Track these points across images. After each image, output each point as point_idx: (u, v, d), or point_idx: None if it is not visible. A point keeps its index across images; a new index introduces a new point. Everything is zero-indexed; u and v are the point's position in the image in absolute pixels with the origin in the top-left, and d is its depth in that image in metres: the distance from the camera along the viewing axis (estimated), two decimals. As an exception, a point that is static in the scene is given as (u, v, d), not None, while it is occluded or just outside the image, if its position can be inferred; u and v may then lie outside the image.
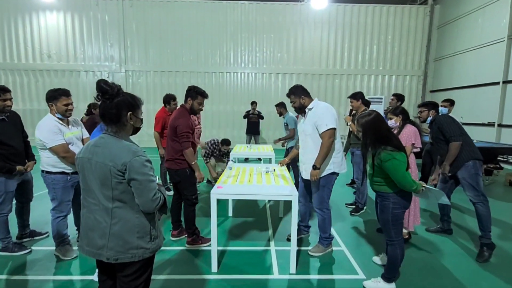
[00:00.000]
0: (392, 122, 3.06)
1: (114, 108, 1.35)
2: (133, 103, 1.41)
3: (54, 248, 2.69)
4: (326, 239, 2.78)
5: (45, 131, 2.41)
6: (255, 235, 3.20)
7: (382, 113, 4.80)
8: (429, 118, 3.09)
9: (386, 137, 2.05)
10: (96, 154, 1.33)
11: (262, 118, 8.18)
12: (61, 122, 2.50)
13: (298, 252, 2.75)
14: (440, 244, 3.06)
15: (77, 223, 2.92)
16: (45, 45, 9.81)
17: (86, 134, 2.77)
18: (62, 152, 2.43)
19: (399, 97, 4.82)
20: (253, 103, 8.08)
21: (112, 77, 10.01)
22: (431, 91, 10.10)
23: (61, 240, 2.64)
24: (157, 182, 1.45)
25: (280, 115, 5.00)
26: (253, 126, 8.06)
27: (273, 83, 10.17)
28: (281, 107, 4.93)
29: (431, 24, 9.86)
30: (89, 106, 4.86)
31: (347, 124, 3.99)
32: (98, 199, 1.34)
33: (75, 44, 9.85)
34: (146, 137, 10.23)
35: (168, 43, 9.85)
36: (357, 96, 3.76)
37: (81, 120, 4.41)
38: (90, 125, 4.06)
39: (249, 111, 8.08)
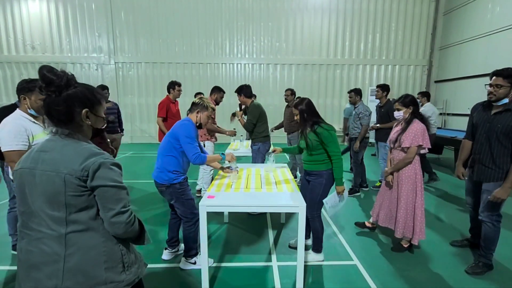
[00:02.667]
0: (400, 114, 2.62)
1: (62, 104, 1.01)
2: (90, 98, 1.07)
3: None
4: None
5: (6, 130, 1.95)
6: (254, 247, 2.80)
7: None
8: (505, 100, 2.09)
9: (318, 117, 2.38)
10: (42, 162, 1.01)
11: (260, 111, 7.76)
12: (33, 120, 2.06)
13: (305, 268, 2.37)
14: (467, 260, 2.67)
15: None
16: (28, 35, 9.22)
17: None
18: (15, 161, 1.88)
19: (384, 88, 4.37)
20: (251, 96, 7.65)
21: (101, 70, 9.49)
22: (436, 81, 9.68)
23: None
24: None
25: (353, 104, 4.49)
26: None
27: (271, 74, 9.69)
28: (357, 94, 4.42)
29: (436, 11, 9.36)
30: None
31: (238, 119, 4.12)
32: (46, 224, 1.00)
33: (60, 34, 9.26)
34: (138, 133, 9.78)
35: (159, 32, 9.28)
36: (241, 91, 3.82)
37: None
38: None
39: (247, 104, 7.66)
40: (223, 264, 2.48)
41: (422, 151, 2.54)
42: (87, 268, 1.01)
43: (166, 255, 2.57)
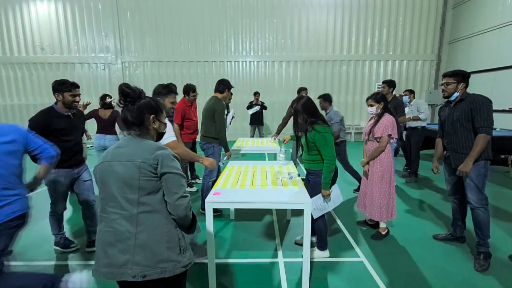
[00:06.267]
0: (373, 109, 2.86)
1: (136, 111, 1.28)
2: (155, 106, 1.34)
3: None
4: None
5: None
6: (260, 244, 2.82)
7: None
8: (456, 94, 2.42)
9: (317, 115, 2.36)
10: (119, 155, 1.23)
11: (265, 108, 7.83)
12: None
13: (311, 264, 2.38)
14: (450, 256, 2.64)
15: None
16: (37, 37, 9.39)
17: None
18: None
19: (391, 84, 4.33)
20: (256, 94, 7.71)
21: (109, 69, 9.61)
22: (445, 76, 9.50)
23: None
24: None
25: (324, 110, 4.13)
26: (257, 116, 7.77)
27: (276, 72, 9.66)
28: (326, 100, 4.15)
29: (445, 4, 9.16)
30: (102, 98, 4.17)
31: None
32: (121, 205, 1.20)
33: (68, 35, 9.41)
34: (145, 131, 9.90)
35: (165, 31, 9.34)
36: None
37: (98, 113, 3.99)
38: (112, 122, 3.97)
39: (252, 101, 7.74)
40: (230, 260, 2.51)
41: (391, 141, 2.79)
42: (153, 245, 1.19)
43: None
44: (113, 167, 1.21)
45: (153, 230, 1.19)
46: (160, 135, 1.38)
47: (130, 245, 1.17)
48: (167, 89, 2.31)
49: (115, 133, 4.12)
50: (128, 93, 1.26)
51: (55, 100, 2.45)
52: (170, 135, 2.21)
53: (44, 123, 2.31)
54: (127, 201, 1.19)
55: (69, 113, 2.46)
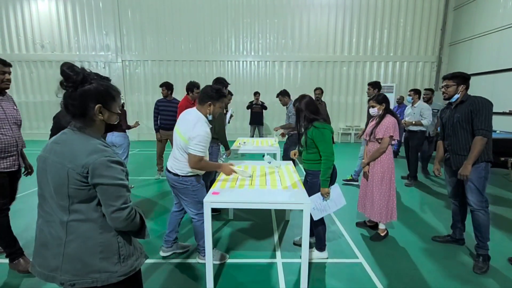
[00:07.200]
0: (375, 110, 2.85)
1: (77, 99, 1.07)
2: (104, 94, 1.12)
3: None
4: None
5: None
6: (259, 244, 2.81)
7: (392, 102, 4.38)
8: (456, 96, 2.45)
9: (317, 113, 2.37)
10: (54, 153, 1.07)
11: (265, 108, 7.86)
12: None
13: (310, 265, 2.37)
14: (449, 258, 2.64)
15: None
16: (38, 34, 9.39)
17: None
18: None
19: (375, 85, 4.31)
20: (256, 94, 7.74)
21: (109, 68, 9.60)
22: (446, 78, 9.49)
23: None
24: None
25: (284, 105, 4.66)
26: (257, 116, 7.80)
27: (277, 72, 9.65)
28: (284, 95, 4.62)
29: (446, 6, 9.16)
30: None
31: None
32: (53, 210, 1.09)
33: (68, 33, 9.40)
34: (145, 130, 9.87)
35: (165, 30, 9.33)
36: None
37: None
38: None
39: (253, 101, 7.76)
40: (228, 261, 2.50)
41: (392, 142, 2.80)
42: (83, 256, 1.07)
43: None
44: (46, 167, 1.08)
45: (84, 240, 1.07)
46: (110, 127, 1.18)
47: (60, 253, 1.07)
48: (219, 93, 2.23)
49: (123, 130, 4.19)
50: (68, 75, 1.04)
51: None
52: (199, 149, 2.06)
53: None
54: (58, 207, 1.07)
55: None
